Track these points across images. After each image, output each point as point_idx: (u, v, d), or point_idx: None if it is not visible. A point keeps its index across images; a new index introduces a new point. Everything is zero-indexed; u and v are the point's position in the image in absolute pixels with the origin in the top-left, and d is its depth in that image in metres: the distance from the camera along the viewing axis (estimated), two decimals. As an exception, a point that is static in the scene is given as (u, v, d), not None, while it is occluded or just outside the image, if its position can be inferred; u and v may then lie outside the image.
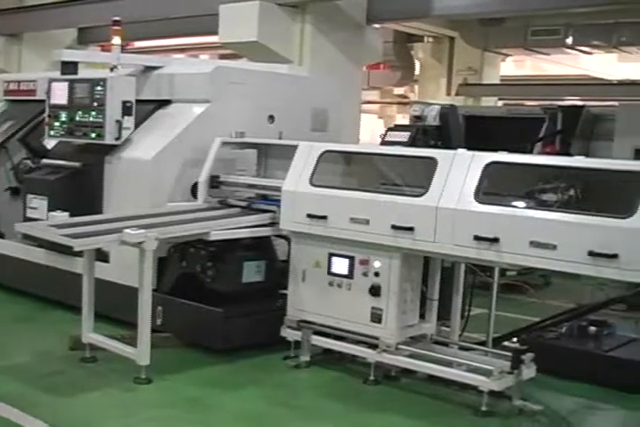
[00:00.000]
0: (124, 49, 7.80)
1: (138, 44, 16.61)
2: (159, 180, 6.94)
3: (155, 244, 5.59)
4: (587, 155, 9.71)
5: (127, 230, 5.57)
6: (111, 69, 7.21)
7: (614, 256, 4.64)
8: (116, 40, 7.23)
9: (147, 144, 7.10)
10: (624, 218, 4.65)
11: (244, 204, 6.81)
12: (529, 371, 5.47)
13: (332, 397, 5.63)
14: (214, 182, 6.93)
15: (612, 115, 10.27)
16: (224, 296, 6.42)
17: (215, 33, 10.14)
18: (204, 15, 10.77)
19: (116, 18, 7.25)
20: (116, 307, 6.65)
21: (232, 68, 7.80)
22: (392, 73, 17.25)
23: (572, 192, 5.29)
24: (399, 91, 20.99)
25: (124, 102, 7.06)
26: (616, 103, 12.62)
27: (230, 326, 6.32)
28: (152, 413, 5.24)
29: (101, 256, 6.67)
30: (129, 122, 7.12)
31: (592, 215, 4.81)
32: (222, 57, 16.55)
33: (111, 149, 7.24)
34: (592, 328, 6.53)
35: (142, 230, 5.59)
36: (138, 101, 7.17)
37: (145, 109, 7.37)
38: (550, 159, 5.96)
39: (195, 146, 7.00)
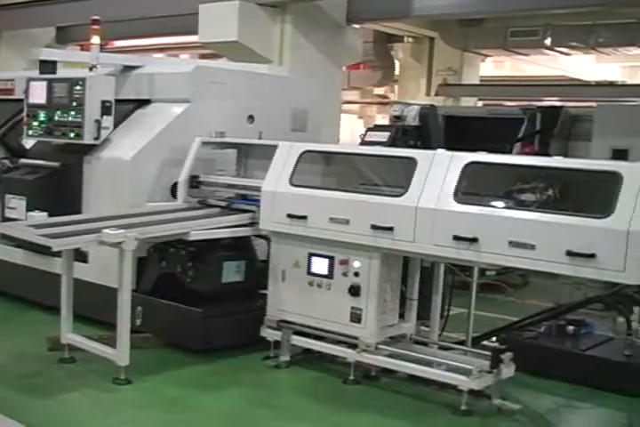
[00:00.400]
0: (103, 48, 7.76)
1: (117, 43, 16.55)
2: (138, 180, 6.91)
3: (134, 244, 5.57)
4: (565, 155, 9.78)
5: (106, 230, 5.54)
6: (90, 69, 7.17)
7: (592, 256, 4.67)
8: (95, 39, 7.19)
9: (126, 144, 7.07)
10: (602, 218, 4.68)
11: (223, 204, 6.80)
12: (508, 370, 5.49)
13: (312, 397, 5.64)
14: (194, 182, 6.92)
15: (590, 115, 10.34)
16: (204, 296, 6.41)
17: (195, 32, 10.14)
18: (183, 15, 10.76)
19: (96, 17, 7.22)
20: (95, 307, 6.61)
21: (212, 67, 7.79)
22: (372, 73, 17.30)
23: (550, 192, 5.32)
24: (379, 91, 21.03)
25: (104, 102, 7.03)
26: (594, 104, 12.72)
27: (210, 326, 6.30)
28: (131, 413, 5.22)
29: (80, 256, 6.64)
30: (108, 122, 7.09)
31: (570, 215, 4.84)
32: (202, 57, 16.54)
33: (90, 148, 7.20)
34: (570, 327, 6.57)
35: (121, 230, 5.57)
36: (117, 101, 7.14)
37: (124, 109, 7.34)
38: (529, 159, 6.00)
39: (174, 146, 6.98)
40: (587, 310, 6.93)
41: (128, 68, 7.66)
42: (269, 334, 6.25)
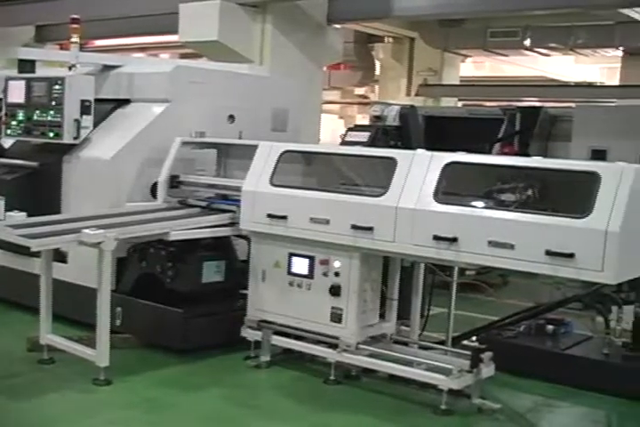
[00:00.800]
0: (82, 47, 7.73)
1: (97, 42, 16.47)
2: (118, 179, 6.89)
3: (113, 244, 5.54)
4: (544, 155, 9.83)
5: (86, 230, 5.52)
6: (69, 68, 7.14)
7: (571, 256, 4.69)
8: (75, 38, 7.15)
9: (105, 144, 7.04)
10: (580, 218, 4.71)
11: (203, 204, 6.78)
12: (488, 370, 5.51)
13: (293, 397, 5.64)
14: (174, 182, 6.90)
15: (569, 116, 10.39)
16: (184, 296, 6.39)
17: (175, 32, 10.11)
18: (163, 14, 10.73)
19: (75, 16, 7.18)
20: (74, 308, 6.58)
21: (192, 67, 7.77)
22: (352, 73, 17.33)
23: (529, 192, 5.34)
24: (360, 91, 21.07)
25: (83, 101, 6.99)
26: (573, 104, 12.79)
27: (190, 326, 6.29)
28: (111, 414, 5.20)
29: (59, 257, 6.60)
30: (87, 121, 7.05)
31: (549, 215, 4.87)
32: (183, 56, 16.49)
33: (69, 148, 7.16)
34: (549, 327, 6.61)
35: (101, 231, 5.54)
36: (97, 100, 7.10)
37: (104, 109, 7.31)
38: (508, 160, 6.03)
39: (154, 146, 6.95)
40: (565, 309, 6.97)
41: (108, 68, 7.63)
42: (250, 334, 6.24)
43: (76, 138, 7.03)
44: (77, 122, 6.99)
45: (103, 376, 5.62)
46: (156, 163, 6.89)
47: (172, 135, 6.95)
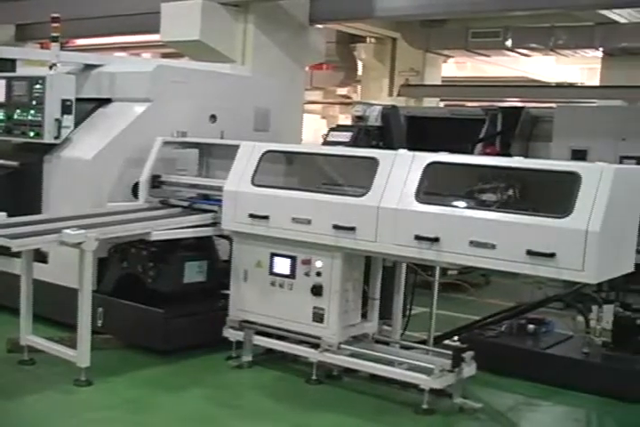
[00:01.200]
0: (63, 46, 7.69)
1: (79, 41, 16.40)
2: (99, 179, 6.86)
3: (95, 244, 5.52)
4: (526, 155, 9.88)
5: (66, 231, 5.49)
6: (50, 67, 7.10)
7: (552, 255, 4.72)
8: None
9: (87, 143, 7.01)
10: (561, 218, 4.74)
11: (185, 204, 6.77)
12: (469, 369, 5.53)
13: (275, 397, 5.64)
14: (155, 182, 6.88)
15: (550, 116, 10.45)
16: (165, 297, 6.38)
17: (157, 31, 10.08)
18: (145, 13, 10.69)
19: (55, 14, 7.14)
20: (55, 308, 6.55)
21: (173, 67, 7.75)
22: (335, 73, 17.33)
23: (510, 192, 5.36)
24: (342, 91, 21.07)
25: (64, 101, 6.97)
26: (554, 105, 12.85)
27: (171, 326, 6.28)
28: (93, 415, 5.18)
29: (40, 257, 6.57)
30: (68, 121, 7.03)
31: (530, 215, 4.89)
32: (164, 56, 16.44)
33: (50, 148, 7.13)
34: (531, 326, 6.64)
35: (82, 231, 5.52)
36: (78, 100, 7.08)
37: (85, 108, 7.28)
38: (489, 160, 6.06)
39: (136, 145, 6.93)
40: (547, 308, 7.01)
41: (89, 67, 7.60)
42: (231, 335, 6.23)
43: (56, 137, 7.01)
44: (58, 121, 6.96)
45: (84, 377, 5.59)
46: (137, 163, 6.87)
47: (154, 135, 6.93)
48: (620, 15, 13.40)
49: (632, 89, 14.33)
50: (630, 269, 5.18)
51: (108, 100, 7.41)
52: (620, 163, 8.04)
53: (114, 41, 16.67)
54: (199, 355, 6.35)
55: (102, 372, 5.73)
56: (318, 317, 5.80)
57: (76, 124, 7.14)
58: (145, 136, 6.92)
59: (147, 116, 7.12)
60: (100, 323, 6.39)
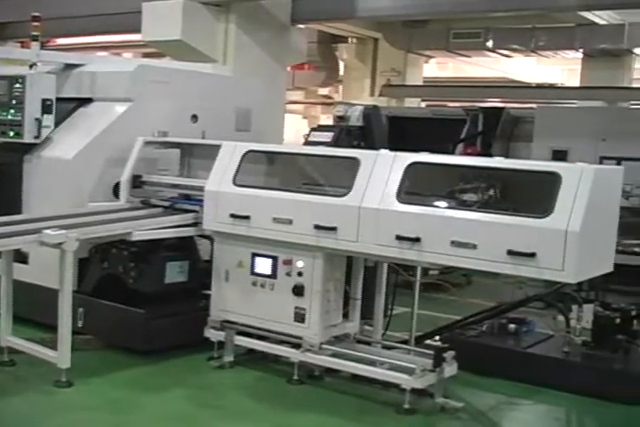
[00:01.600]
0: (44, 46, 7.64)
1: (60, 40, 16.31)
2: (80, 179, 6.83)
3: (75, 244, 5.50)
4: (507, 156, 9.93)
5: (47, 231, 5.47)
6: (30, 66, 7.06)
7: (532, 255, 4.74)
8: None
9: (67, 143, 6.98)
10: (541, 218, 4.76)
11: (166, 204, 6.75)
12: (450, 369, 5.55)
13: (256, 397, 5.63)
14: (137, 182, 6.86)
15: (531, 117, 10.50)
16: (146, 297, 6.36)
17: (138, 31, 10.04)
18: (127, 13, 10.65)
19: (36, 13, 7.11)
20: (35, 309, 6.52)
21: (155, 66, 7.73)
22: (316, 73, 17.32)
23: (491, 192, 5.39)
24: (323, 91, 21.08)
25: (44, 100, 6.93)
26: (535, 105, 12.92)
27: (152, 327, 6.26)
28: (73, 416, 5.16)
29: (20, 257, 6.53)
30: (49, 120, 6.99)
31: (511, 215, 4.91)
32: (146, 56, 16.38)
33: (30, 147, 7.09)
34: (511, 326, 6.66)
35: (62, 231, 5.50)
36: (58, 99, 7.04)
37: (65, 108, 7.24)
38: (470, 160, 6.08)
39: (117, 145, 6.90)
40: (527, 308, 7.05)
41: (70, 67, 7.56)
42: (213, 335, 6.22)
43: (37, 137, 6.96)
44: (38, 121, 6.92)
45: (65, 378, 5.57)
46: (118, 162, 6.84)
47: (135, 135, 6.91)
48: (599, 17, 13.51)
49: (612, 90, 14.44)
50: (610, 268, 5.22)
51: (88, 100, 7.38)
52: (600, 163, 8.08)
53: (95, 40, 16.60)
54: (180, 355, 6.33)
55: (83, 373, 5.71)
56: (300, 317, 5.80)
57: (57, 123, 7.10)
58: (126, 136, 6.89)
59: (128, 116, 7.09)
60: (80, 323, 6.37)
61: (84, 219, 6.11)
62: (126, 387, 5.69)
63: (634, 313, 6.36)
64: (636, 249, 8.22)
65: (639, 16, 13.45)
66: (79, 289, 6.43)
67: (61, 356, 5.56)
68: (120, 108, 7.11)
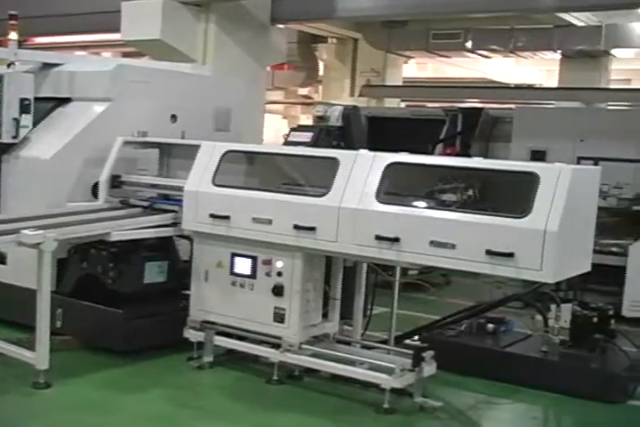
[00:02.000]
0: (22, 45, 7.60)
1: (38, 39, 16.21)
2: (58, 179, 6.79)
3: (53, 245, 5.47)
4: (485, 156, 9.97)
5: (25, 231, 5.44)
6: (8, 66, 7.02)
7: (510, 255, 4.76)
8: (13, 35, 7.03)
9: (45, 143, 6.94)
10: (520, 218, 4.78)
11: (145, 204, 6.73)
12: (429, 368, 5.56)
13: (235, 397, 5.63)
14: (115, 182, 6.84)
15: (509, 117, 10.56)
16: (126, 297, 6.33)
17: (118, 30, 10.01)
18: (106, 12, 10.61)
19: (13, 12, 7.06)
20: (13, 310, 6.48)
21: (134, 66, 7.70)
22: (296, 73, 17.33)
23: (470, 192, 5.40)
24: (303, 91, 21.08)
25: (22, 100, 6.88)
26: (513, 106, 12.99)
27: (131, 327, 6.23)
28: (52, 417, 5.13)
29: (-2, 258, 6.51)
30: (27, 120, 6.94)
31: (489, 215, 4.94)
32: (125, 55, 16.32)
33: (8, 147, 7.04)
34: (490, 325, 6.69)
35: (41, 231, 5.47)
36: (36, 99, 7.00)
37: (44, 107, 7.20)
38: (449, 160, 6.11)
39: (95, 145, 6.88)
40: (506, 307, 7.08)
41: (48, 66, 7.51)
42: (192, 335, 6.21)
43: (14, 137, 6.92)
44: (16, 121, 6.88)
45: (43, 379, 5.54)
46: (97, 162, 6.81)
47: (114, 135, 6.88)
48: (577, 18, 13.61)
49: (589, 91, 14.54)
50: (587, 268, 5.26)
51: (67, 100, 7.34)
52: (578, 164, 8.14)
53: (74, 40, 16.51)
54: (160, 356, 6.31)
55: (62, 374, 5.68)
56: (279, 317, 5.80)
57: (35, 123, 7.06)
58: (105, 136, 6.87)
59: (107, 116, 7.06)
60: (59, 324, 6.33)
61: (63, 219, 6.09)
62: (105, 388, 5.66)
63: (611, 312, 6.40)
64: (614, 249, 8.31)
65: (616, 18, 13.57)
66: (58, 289, 6.40)
67: (40, 357, 5.53)
68: (99, 108, 7.08)
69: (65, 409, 5.27)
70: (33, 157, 6.90)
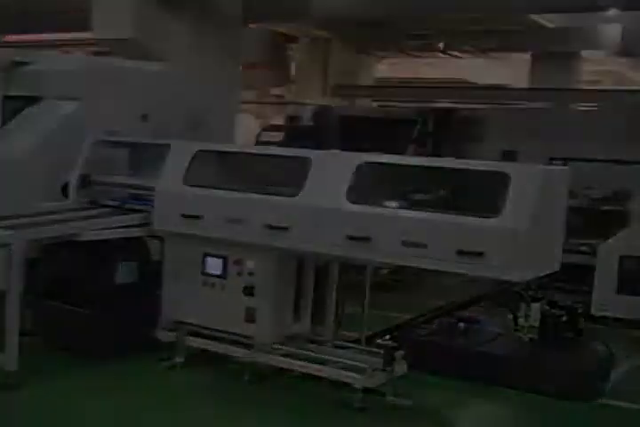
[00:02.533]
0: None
1: (8, 38, 16.09)
2: (28, 179, 6.73)
3: (23, 245, 5.42)
4: (457, 156, 10.01)
5: (-6, 231, 5.40)
6: (-23, 64, 6.97)
7: (480, 254, 4.79)
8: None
9: (15, 142, 6.88)
10: (490, 217, 4.81)
11: (116, 204, 6.69)
12: (401, 367, 5.58)
13: (207, 397, 5.61)
14: (86, 182, 6.80)
15: (481, 118, 10.62)
16: (96, 298, 6.29)
17: (89, 29, 9.96)
18: (78, 10, 10.55)
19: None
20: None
21: (104, 65, 7.66)
22: (268, 73, 17.31)
23: (442, 192, 5.43)
24: (276, 91, 21.07)
25: (-9, 99, 6.84)
26: (485, 107, 13.07)
27: (102, 328, 6.20)
28: (21, 419, 5.09)
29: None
30: (-5, 119, 6.90)
31: (460, 215, 4.96)
32: (96, 54, 16.22)
33: (-23, 146, 6.99)
34: (461, 325, 6.71)
35: (10, 231, 5.43)
36: (5, 98, 6.95)
37: (13, 106, 7.14)
38: (420, 160, 6.11)
39: (65, 145, 6.83)
40: (478, 306, 7.12)
41: (18, 64, 7.45)
42: (164, 336, 6.18)
43: (-17, 136, 6.87)
44: (-15, 120, 6.83)
45: (12, 380, 5.48)
46: (67, 162, 6.76)
47: (84, 134, 6.83)
48: (548, 20, 13.73)
49: (560, 91, 14.66)
50: (557, 267, 5.30)
51: (37, 99, 7.28)
52: (549, 164, 8.20)
53: (44, 38, 16.40)
54: (131, 357, 6.27)
55: (31, 375, 5.63)
56: (250, 317, 5.80)
57: (4, 122, 7.00)
58: (75, 135, 6.82)
59: (77, 115, 7.02)
60: (29, 325, 6.27)
61: (33, 219, 6.04)
62: (76, 389, 5.62)
63: (580, 311, 6.46)
64: (583, 248, 8.38)
65: (587, 20, 13.69)
66: (27, 290, 6.33)
67: (8, 358, 5.48)
68: (69, 107, 7.03)
69: (33, 411, 5.22)
70: (2, 157, 6.83)
